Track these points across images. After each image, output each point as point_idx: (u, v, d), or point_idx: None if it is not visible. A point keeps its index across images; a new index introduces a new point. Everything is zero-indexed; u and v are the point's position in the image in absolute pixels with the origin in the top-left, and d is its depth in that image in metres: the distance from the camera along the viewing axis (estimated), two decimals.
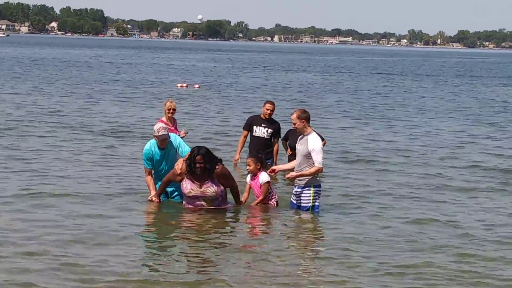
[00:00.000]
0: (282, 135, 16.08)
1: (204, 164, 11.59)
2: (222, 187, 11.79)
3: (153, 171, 12.68)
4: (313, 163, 11.85)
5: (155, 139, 12.40)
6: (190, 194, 11.77)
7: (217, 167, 11.73)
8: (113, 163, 16.75)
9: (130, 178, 14.77)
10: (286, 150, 15.87)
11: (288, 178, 12.22)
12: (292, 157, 14.95)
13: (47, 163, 16.27)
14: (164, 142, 12.37)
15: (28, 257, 9.35)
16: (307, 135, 12.00)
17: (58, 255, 9.45)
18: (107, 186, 13.92)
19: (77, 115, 26.15)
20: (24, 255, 9.41)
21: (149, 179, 12.60)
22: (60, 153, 17.67)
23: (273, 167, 12.52)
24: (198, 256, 9.71)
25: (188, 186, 11.76)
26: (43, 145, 18.79)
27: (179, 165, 11.89)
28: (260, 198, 12.28)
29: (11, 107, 27.78)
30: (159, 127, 12.40)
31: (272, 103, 16.12)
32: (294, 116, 12.07)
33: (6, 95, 33.18)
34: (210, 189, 11.70)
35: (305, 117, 11.99)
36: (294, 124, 12.07)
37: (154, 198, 12.30)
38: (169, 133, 12.60)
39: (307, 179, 11.98)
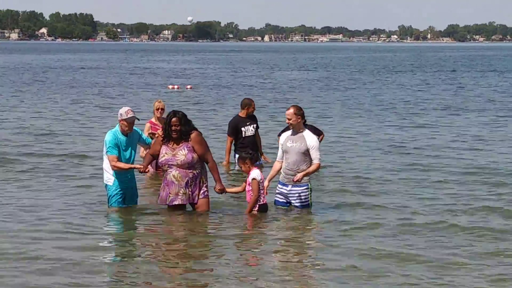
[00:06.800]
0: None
1: (179, 126, 11.34)
2: (195, 154, 11.38)
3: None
4: (310, 161, 11.76)
5: (121, 123, 11.76)
6: (163, 158, 11.42)
7: (192, 132, 11.45)
8: None
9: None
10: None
11: (296, 180, 11.75)
12: None
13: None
14: (131, 125, 11.80)
15: None
16: (301, 132, 11.86)
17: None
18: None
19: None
20: None
21: (120, 163, 11.69)
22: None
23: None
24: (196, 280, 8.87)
25: (163, 151, 11.45)
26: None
27: (160, 131, 11.71)
28: (253, 198, 11.61)
29: None
30: (126, 109, 11.84)
31: (252, 100, 16.00)
32: (291, 111, 11.86)
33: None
34: (181, 151, 11.34)
35: (301, 113, 11.87)
36: (289, 119, 11.84)
37: (145, 169, 11.56)
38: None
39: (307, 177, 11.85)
